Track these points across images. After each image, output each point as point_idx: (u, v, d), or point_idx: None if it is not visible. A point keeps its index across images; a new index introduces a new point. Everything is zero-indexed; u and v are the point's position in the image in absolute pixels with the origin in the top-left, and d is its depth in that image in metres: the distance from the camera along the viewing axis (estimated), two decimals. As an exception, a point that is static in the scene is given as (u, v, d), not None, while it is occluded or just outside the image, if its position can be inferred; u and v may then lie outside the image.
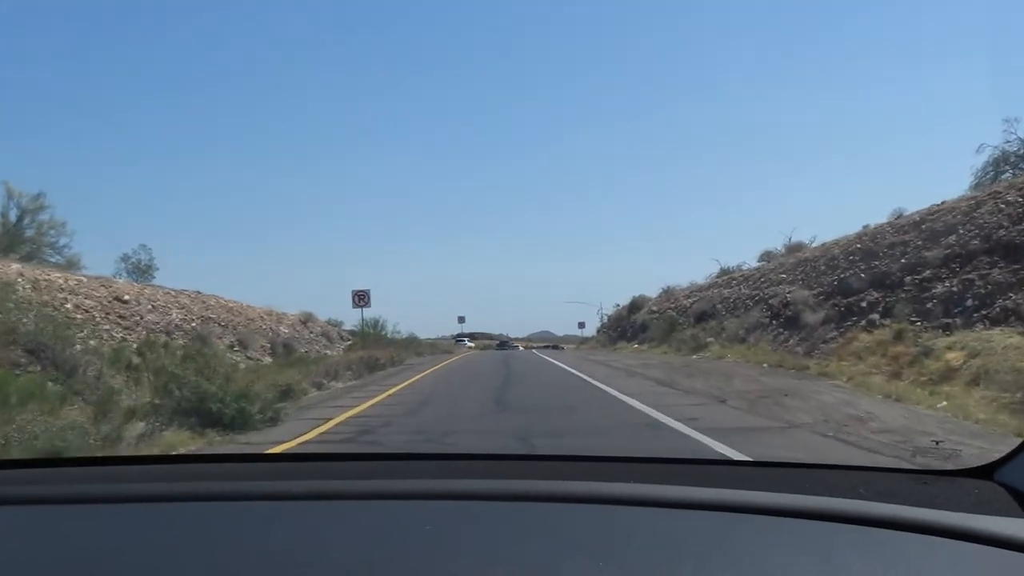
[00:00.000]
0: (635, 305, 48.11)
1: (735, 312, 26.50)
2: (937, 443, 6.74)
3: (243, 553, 1.05)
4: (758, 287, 26.21)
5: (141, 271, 29.16)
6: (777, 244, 30.72)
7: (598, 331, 63.29)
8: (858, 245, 20.76)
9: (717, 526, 1.08)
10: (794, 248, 29.08)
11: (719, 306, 28.66)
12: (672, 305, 39.48)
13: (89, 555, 1.05)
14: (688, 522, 1.10)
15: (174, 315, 20.21)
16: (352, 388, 16.91)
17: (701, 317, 29.77)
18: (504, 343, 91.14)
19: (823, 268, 22.08)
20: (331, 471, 1.54)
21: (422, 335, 61.78)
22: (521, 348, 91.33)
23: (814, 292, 21.02)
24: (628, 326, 46.68)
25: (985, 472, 1.22)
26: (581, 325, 76.74)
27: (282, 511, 1.20)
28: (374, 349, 30.60)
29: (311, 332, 32.21)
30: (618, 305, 54.63)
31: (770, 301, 23.79)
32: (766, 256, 30.02)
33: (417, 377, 19.54)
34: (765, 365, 18.21)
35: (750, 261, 32.42)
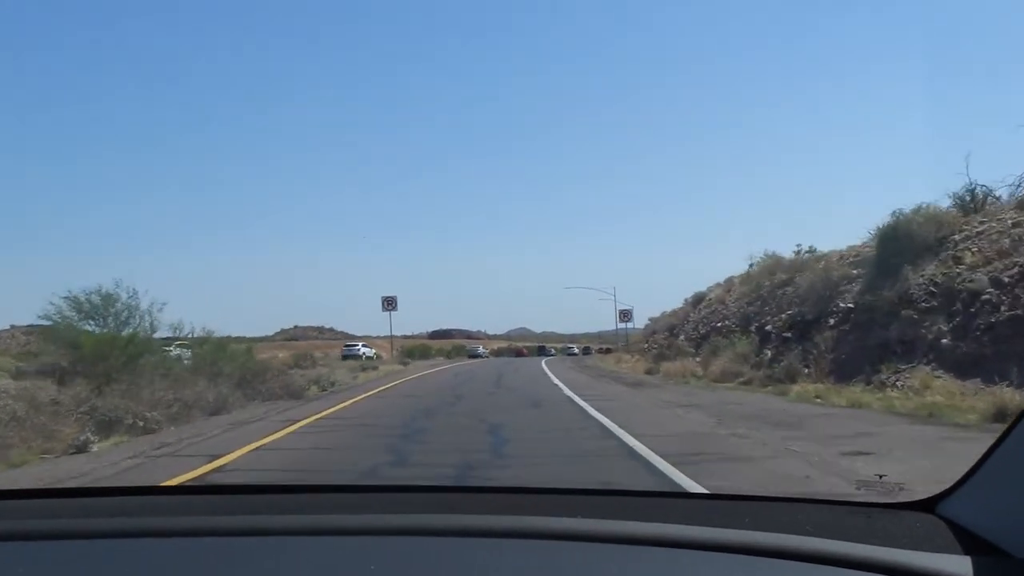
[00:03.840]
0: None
1: None
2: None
3: None
4: None
5: None
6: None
7: (653, 334, 30.61)
8: None
9: (664, 562, 1.06)
10: None
11: None
12: None
13: None
14: (634, 558, 1.07)
15: None
16: None
17: None
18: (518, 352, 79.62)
19: None
20: (267, 505, 1.39)
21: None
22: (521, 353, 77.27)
23: None
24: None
25: (927, 505, 1.21)
26: (625, 317, 43.64)
27: (209, 548, 1.12)
28: None
29: None
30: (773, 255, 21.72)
31: None
32: None
33: None
34: None
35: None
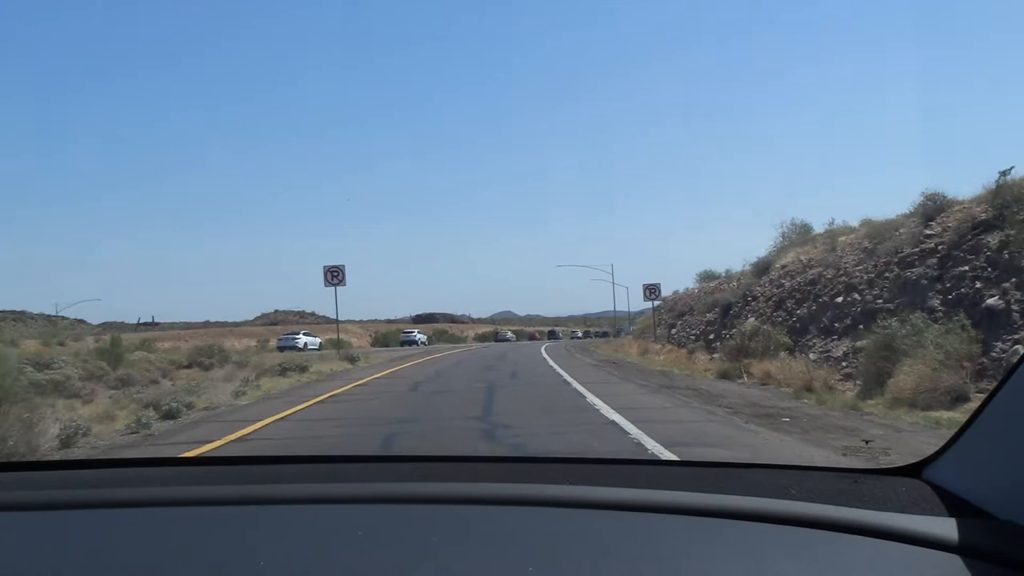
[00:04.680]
0: None
1: None
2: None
3: (171, 561, 0.99)
4: None
5: None
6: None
7: (682, 316, 21.65)
8: None
9: (648, 527, 1.05)
10: None
11: None
12: None
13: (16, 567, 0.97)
14: (619, 523, 1.06)
15: None
16: None
17: None
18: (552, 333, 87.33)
19: None
20: (261, 475, 1.44)
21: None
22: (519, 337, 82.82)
23: None
24: None
25: (913, 470, 1.21)
26: (652, 293, 34.82)
27: (209, 517, 1.14)
28: None
29: None
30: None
31: None
32: None
33: None
34: None
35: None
